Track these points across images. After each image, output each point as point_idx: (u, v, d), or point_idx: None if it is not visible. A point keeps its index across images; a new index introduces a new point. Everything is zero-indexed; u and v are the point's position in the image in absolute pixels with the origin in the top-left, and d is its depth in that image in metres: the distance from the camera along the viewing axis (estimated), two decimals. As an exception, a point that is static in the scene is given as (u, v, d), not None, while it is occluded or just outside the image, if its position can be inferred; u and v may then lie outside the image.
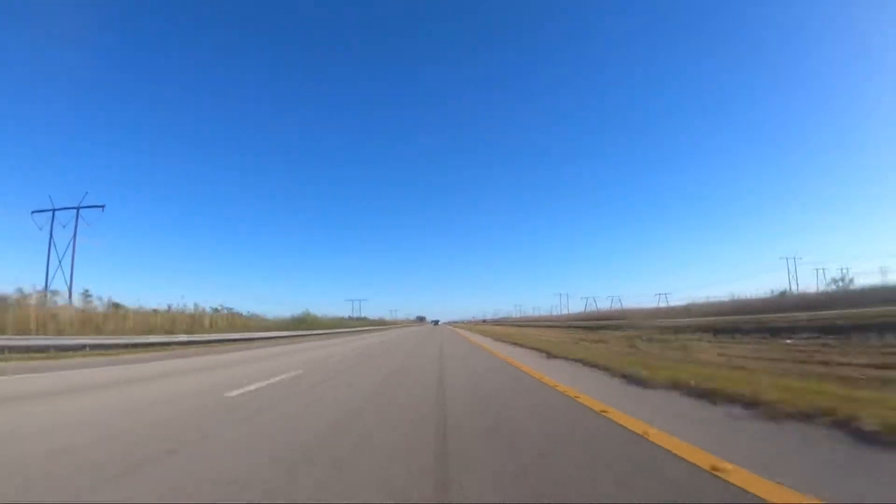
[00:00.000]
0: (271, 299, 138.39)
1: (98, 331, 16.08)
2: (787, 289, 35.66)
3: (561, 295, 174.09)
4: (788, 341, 12.71)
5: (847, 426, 2.89)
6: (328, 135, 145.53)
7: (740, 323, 19.04)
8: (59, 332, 14.64)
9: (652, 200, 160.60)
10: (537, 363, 8.84)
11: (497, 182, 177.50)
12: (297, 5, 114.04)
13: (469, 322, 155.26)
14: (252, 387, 6.11)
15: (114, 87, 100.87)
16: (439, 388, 5.85)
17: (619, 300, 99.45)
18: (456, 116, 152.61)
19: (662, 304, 78.02)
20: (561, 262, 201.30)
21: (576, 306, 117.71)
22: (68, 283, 28.52)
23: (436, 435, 3.30)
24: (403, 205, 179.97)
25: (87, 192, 37.42)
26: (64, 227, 30.25)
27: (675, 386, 4.81)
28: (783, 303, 31.85)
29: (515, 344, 15.61)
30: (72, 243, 29.77)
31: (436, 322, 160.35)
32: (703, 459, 2.46)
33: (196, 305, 25.29)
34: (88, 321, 16.13)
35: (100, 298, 21.42)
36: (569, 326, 39.12)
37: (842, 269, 61.08)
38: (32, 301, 16.69)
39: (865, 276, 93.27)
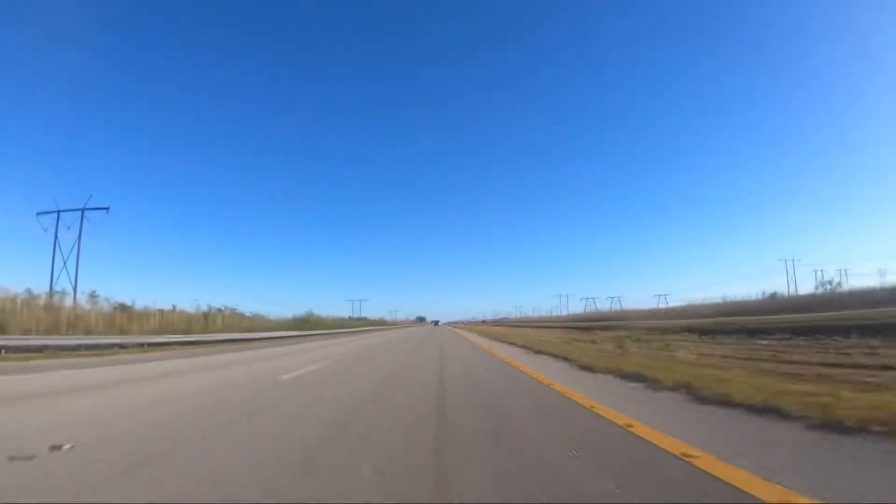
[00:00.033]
0: (271, 299, 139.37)
1: (122, 331, 17.28)
2: (777, 291, 36.62)
3: (561, 296, 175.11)
4: (763, 342, 13.80)
5: (731, 403, 4.01)
6: (328, 135, 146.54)
7: (724, 325, 20.15)
8: (88, 332, 15.83)
9: (652, 201, 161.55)
10: (522, 358, 10.18)
11: (497, 182, 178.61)
12: (297, 5, 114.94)
13: (469, 322, 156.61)
14: (294, 374, 7.75)
15: (114, 88, 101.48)
16: (440, 363, 7.18)
17: (619, 301, 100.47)
18: (456, 116, 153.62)
19: (662, 305, 79.25)
20: (561, 263, 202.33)
21: (576, 307, 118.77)
22: (73, 284, 29.04)
23: (437, 398, 4.57)
24: (404, 205, 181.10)
25: (91, 194, 38.15)
26: (69, 228, 30.92)
27: (622, 374, 6.02)
28: (773, 305, 32.97)
29: (510, 343, 16.82)
30: (77, 244, 30.42)
31: (436, 322, 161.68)
32: (610, 414, 3.63)
33: (210, 306, 26.51)
34: (114, 322, 17.32)
35: (106, 299, 21.90)
36: (565, 327, 40.25)
37: (839, 271, 62.05)
38: (41, 302, 17.88)
39: (864, 277, 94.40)
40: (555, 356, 9.81)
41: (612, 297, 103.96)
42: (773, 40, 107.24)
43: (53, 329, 15.75)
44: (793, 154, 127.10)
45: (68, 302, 21.55)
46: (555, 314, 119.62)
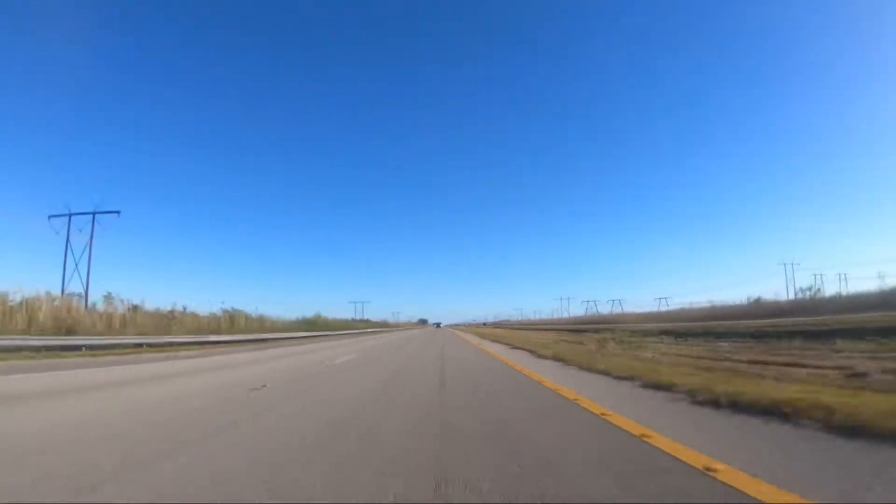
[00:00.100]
0: (273, 300, 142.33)
1: (166, 331, 19.61)
2: (762, 297, 38.84)
3: (562, 299, 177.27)
4: (724, 344, 15.97)
5: (667, 389, 6.26)
6: (328, 135, 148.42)
7: (697, 329, 22.40)
8: (140, 333, 18.14)
9: (655, 204, 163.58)
10: (507, 353, 12.55)
11: (500, 184, 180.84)
12: (297, 5, 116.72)
13: (470, 325, 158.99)
14: (336, 361, 10.46)
15: (115, 88, 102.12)
16: (442, 355, 9.46)
17: (620, 304, 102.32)
18: (458, 118, 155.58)
19: (663, 308, 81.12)
20: (563, 266, 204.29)
21: (577, 310, 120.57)
22: (85, 286, 29.72)
23: (440, 383, 6.83)
24: (406, 207, 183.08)
25: (102, 198, 39.61)
26: (80, 231, 31.22)
27: (585, 367, 8.28)
28: (756, 310, 35.16)
29: (505, 344, 19.13)
30: (88, 247, 30.78)
31: (438, 325, 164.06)
32: (567, 393, 5.90)
33: (233, 308, 28.80)
34: (160, 323, 19.67)
35: (121, 301, 21.80)
36: (560, 329, 42.49)
37: (839, 276, 63.84)
38: (99, 306, 20.25)
39: (864, 281, 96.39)
40: (536, 353, 12.28)
41: (613, 301, 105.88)
42: (774, 43, 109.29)
43: (108, 330, 18.06)
44: (795, 158, 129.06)
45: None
46: (556, 317, 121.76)
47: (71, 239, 30.78)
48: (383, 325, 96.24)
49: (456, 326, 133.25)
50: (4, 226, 73.93)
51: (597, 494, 2.24)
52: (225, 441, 3.47)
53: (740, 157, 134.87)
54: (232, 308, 28.90)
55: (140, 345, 15.39)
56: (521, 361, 10.27)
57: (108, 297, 21.59)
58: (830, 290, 45.80)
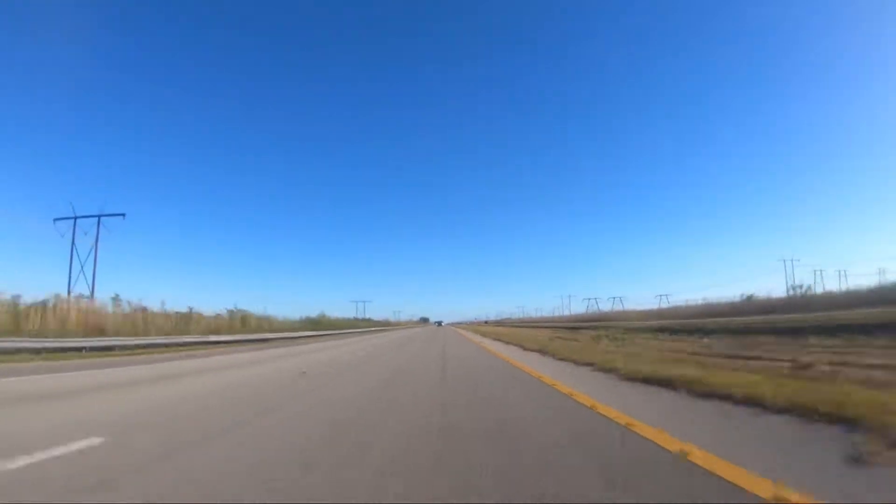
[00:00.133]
0: (274, 300, 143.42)
1: (184, 331, 20.86)
2: (754, 294, 39.91)
3: (563, 296, 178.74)
4: (704, 340, 17.12)
5: (609, 371, 7.44)
6: (330, 136, 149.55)
7: (688, 325, 23.60)
8: (163, 333, 19.39)
9: (657, 202, 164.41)
10: (508, 351, 13.78)
11: (500, 183, 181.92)
12: (297, 5, 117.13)
13: (472, 323, 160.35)
14: (359, 354, 11.94)
15: (113, 88, 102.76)
16: (443, 356, 10.76)
17: (622, 301, 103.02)
18: (458, 117, 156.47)
19: (664, 306, 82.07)
20: (565, 264, 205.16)
21: (579, 307, 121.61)
22: (90, 288, 29.93)
23: (441, 377, 8.03)
24: (407, 207, 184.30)
25: (102, 199, 39.50)
26: (86, 234, 31.38)
27: (569, 360, 9.48)
28: (747, 307, 36.26)
29: (500, 340, 20.38)
30: (94, 249, 30.91)
31: (439, 323, 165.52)
32: (534, 373, 7.11)
33: (238, 309, 30.01)
34: (179, 324, 20.92)
35: (129, 302, 22.03)
36: (558, 327, 43.67)
37: (839, 272, 64.74)
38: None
39: (865, 277, 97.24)
40: (523, 346, 13.81)
41: (615, 298, 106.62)
42: (775, 42, 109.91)
43: (133, 331, 19.30)
44: (797, 156, 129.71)
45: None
46: (557, 314, 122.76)
47: (76, 241, 30.87)
48: (385, 324, 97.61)
49: (457, 325, 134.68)
50: (6, 227, 74.00)
51: (533, 418, 3.77)
52: (309, 398, 5.76)
53: (742, 156, 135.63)
54: (237, 309, 30.11)
55: (167, 344, 16.64)
56: (511, 354, 11.70)
57: (116, 299, 22.11)
58: (832, 286, 47.11)
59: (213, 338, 20.08)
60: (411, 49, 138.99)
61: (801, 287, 37.27)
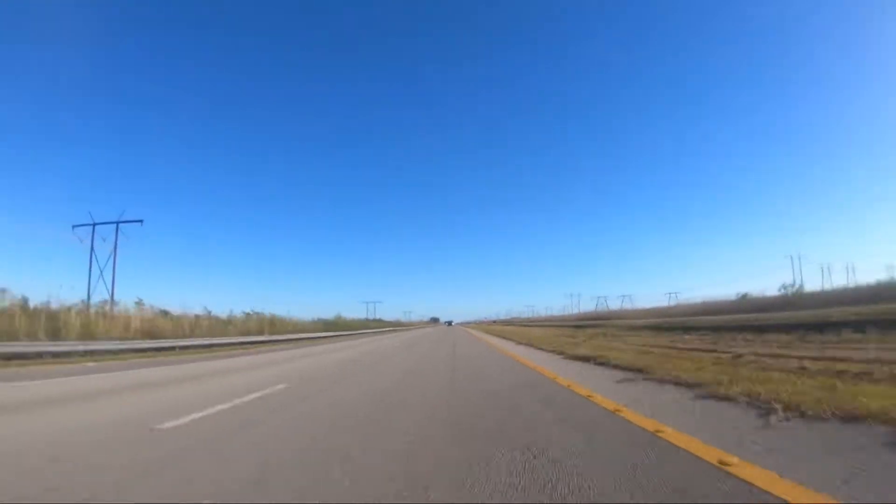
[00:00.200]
0: (284, 301, 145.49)
1: (223, 333, 23.50)
2: (749, 293, 41.69)
3: (572, 295, 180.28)
4: (687, 336, 19.22)
5: (585, 360, 9.74)
6: (330, 136, 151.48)
7: (678, 323, 25.68)
8: (205, 335, 22.00)
9: (667, 201, 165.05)
10: (514, 348, 16.07)
11: (502, 183, 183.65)
12: (297, 5, 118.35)
13: (481, 322, 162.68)
14: (393, 345, 14.27)
15: (113, 89, 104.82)
16: (454, 351, 13.13)
17: (631, 299, 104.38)
18: (469, 117, 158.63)
19: (672, 303, 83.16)
20: (575, 263, 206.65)
21: (588, 306, 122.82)
22: (110, 293, 30.78)
23: (453, 366, 10.39)
24: (412, 206, 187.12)
25: (125, 209, 40.26)
26: (104, 240, 32.03)
27: (563, 354, 11.80)
28: (742, 305, 38.09)
29: (504, 338, 22.71)
30: (113, 255, 31.62)
31: (449, 323, 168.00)
32: (538, 369, 9.44)
33: (254, 311, 32.36)
34: (216, 327, 23.60)
35: (151, 306, 22.86)
36: (564, 326, 45.80)
37: (847, 267, 65.62)
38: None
39: (873, 272, 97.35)
40: (522, 343, 16.14)
41: (624, 296, 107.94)
42: (780, 40, 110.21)
43: (180, 334, 21.95)
44: (804, 152, 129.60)
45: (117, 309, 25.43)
46: (566, 313, 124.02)
47: (95, 247, 31.46)
48: (397, 325, 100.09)
49: (467, 324, 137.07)
50: (19, 232, 75.23)
51: (500, 376, 6.06)
52: (374, 370, 7.67)
53: (752, 154, 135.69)
54: (253, 311, 31.61)
55: (221, 344, 19.29)
56: (509, 348, 14.01)
57: (139, 304, 23.15)
58: (839, 281, 48.65)
59: (252, 338, 22.70)
60: (411, 49, 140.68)
61: (792, 286, 38.88)
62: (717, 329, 20.33)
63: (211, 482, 2.50)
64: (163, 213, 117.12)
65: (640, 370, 6.51)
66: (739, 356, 9.99)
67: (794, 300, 36.07)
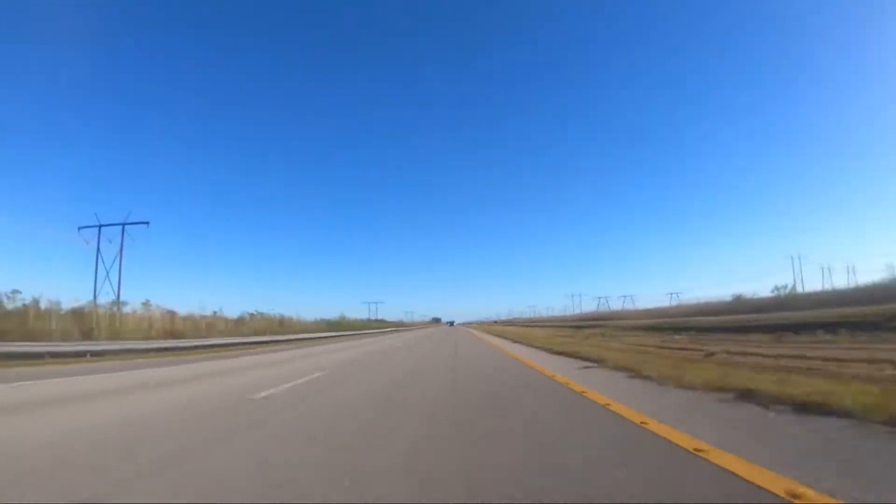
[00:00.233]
0: (286, 301, 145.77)
1: (238, 332, 24.77)
2: (742, 294, 42.85)
3: (574, 295, 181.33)
4: (677, 336, 20.42)
5: (571, 356, 10.96)
6: (330, 137, 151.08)
7: (671, 324, 26.87)
8: (222, 334, 23.27)
9: (669, 201, 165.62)
10: (514, 348, 17.28)
11: (503, 183, 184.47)
12: (297, 5, 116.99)
13: (482, 322, 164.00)
14: (396, 345, 15.50)
15: (113, 90, 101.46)
16: (455, 350, 14.37)
17: (632, 300, 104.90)
18: (469, 117, 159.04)
19: (673, 303, 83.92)
20: (577, 263, 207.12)
21: (590, 306, 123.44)
22: (116, 294, 30.41)
23: (455, 362, 11.63)
24: (415, 207, 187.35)
25: (125, 209, 40.05)
26: (110, 242, 31.86)
27: (556, 352, 13.03)
28: (735, 306, 39.18)
29: (504, 338, 23.93)
30: (119, 257, 31.45)
31: (451, 323, 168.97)
32: (531, 365, 10.68)
33: (259, 312, 33.53)
34: (230, 327, 24.90)
35: (158, 307, 23.19)
36: (563, 326, 47.00)
37: (847, 267, 66.38)
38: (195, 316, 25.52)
39: (874, 272, 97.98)
40: (520, 342, 17.43)
41: (625, 296, 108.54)
42: (780, 40, 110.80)
43: (197, 333, 23.22)
44: (804, 152, 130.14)
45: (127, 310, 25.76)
46: (567, 314, 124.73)
47: (101, 249, 31.00)
48: (398, 325, 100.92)
49: (469, 324, 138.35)
50: (19, 232, 74.36)
51: (494, 368, 7.40)
52: (390, 363, 9.61)
53: (752, 154, 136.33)
54: (257, 311, 32.45)
55: (236, 343, 20.57)
56: (510, 348, 15.23)
57: (146, 304, 23.56)
58: (840, 281, 49.74)
59: (265, 338, 23.98)
60: (411, 49, 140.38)
61: (784, 287, 39.99)
62: (708, 330, 21.54)
63: (297, 428, 4.07)
64: (163, 213, 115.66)
65: (631, 369, 7.62)
66: (712, 354, 11.21)
67: (786, 301, 37.12)
